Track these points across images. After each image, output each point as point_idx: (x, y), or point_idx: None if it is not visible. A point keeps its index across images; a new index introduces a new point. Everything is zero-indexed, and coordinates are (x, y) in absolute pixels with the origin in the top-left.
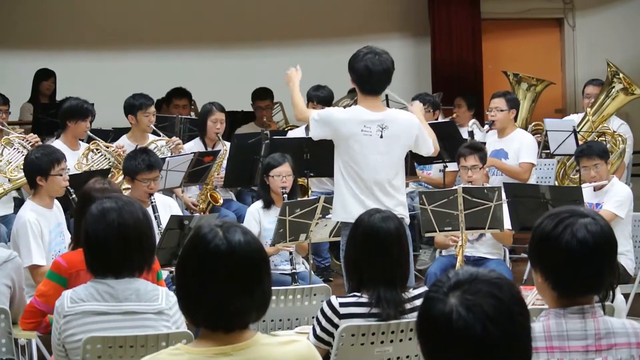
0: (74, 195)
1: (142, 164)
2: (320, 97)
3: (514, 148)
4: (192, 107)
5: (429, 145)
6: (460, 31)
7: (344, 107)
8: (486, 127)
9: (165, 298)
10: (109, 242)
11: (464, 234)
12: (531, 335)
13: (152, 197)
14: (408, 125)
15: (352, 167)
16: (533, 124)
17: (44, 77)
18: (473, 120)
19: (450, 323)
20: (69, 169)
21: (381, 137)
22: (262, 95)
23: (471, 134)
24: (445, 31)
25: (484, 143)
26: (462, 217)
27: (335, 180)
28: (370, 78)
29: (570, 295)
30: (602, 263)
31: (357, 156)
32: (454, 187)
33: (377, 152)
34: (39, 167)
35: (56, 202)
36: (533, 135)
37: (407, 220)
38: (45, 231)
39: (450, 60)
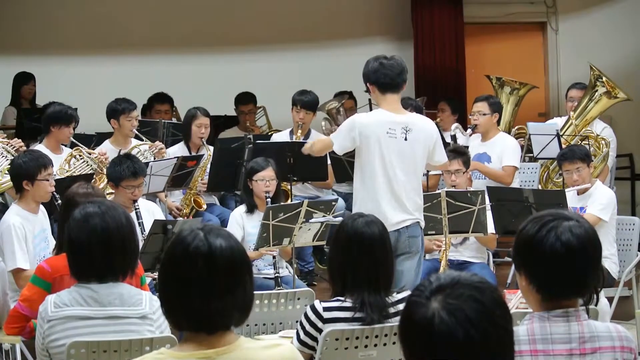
0: (59, 201)
1: (126, 170)
2: (304, 101)
3: (497, 152)
4: (174, 112)
5: (443, 154)
6: (443, 35)
7: (330, 109)
8: (469, 131)
9: (149, 302)
10: (92, 246)
11: (448, 238)
12: (514, 338)
13: (135, 204)
14: (429, 130)
15: (377, 170)
16: (516, 127)
17: (24, 80)
18: (456, 125)
19: (432, 327)
20: (55, 174)
21: (405, 139)
22: (245, 99)
23: (454, 138)
24: (428, 35)
25: (467, 147)
26: (446, 221)
27: (358, 186)
28: (387, 74)
29: (555, 298)
30: (587, 266)
31: (383, 158)
32: (438, 191)
33: (402, 155)
34: (25, 172)
35: (41, 207)
36: (516, 139)
37: (423, 224)
38: (29, 236)
39: (433, 64)
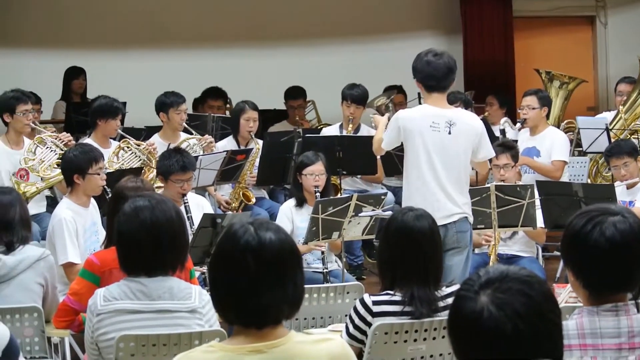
0: (110, 195)
1: (176, 164)
2: (354, 95)
3: (546, 146)
4: (228, 107)
5: (489, 150)
6: (492, 29)
7: (379, 105)
8: (518, 125)
9: (199, 296)
10: (142, 240)
11: (497, 232)
12: (563, 332)
13: (184, 198)
14: (473, 125)
15: (422, 163)
16: (565, 121)
17: (74, 75)
18: (505, 119)
19: (481, 321)
20: (106, 167)
21: (449, 133)
22: (295, 94)
23: (503, 132)
24: (477, 29)
25: (516, 141)
26: (495, 215)
27: (405, 180)
28: (433, 74)
29: (601, 294)
30: (632, 261)
31: (427, 151)
32: (487, 185)
33: (445, 148)
34: (76, 166)
35: (92, 201)
36: (565, 133)
37: (471, 219)
38: (80, 230)
39: (482, 58)
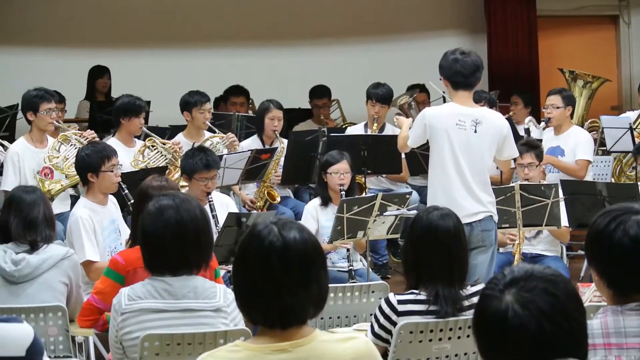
0: (126, 191)
1: (199, 163)
2: (379, 94)
3: (571, 145)
4: (250, 105)
5: (514, 149)
6: (516, 28)
7: (402, 104)
8: (542, 124)
9: (223, 295)
10: (167, 239)
11: (522, 231)
12: (587, 332)
13: (209, 196)
14: (499, 125)
15: (448, 161)
16: (589, 121)
17: (98, 74)
18: (529, 118)
19: (506, 320)
20: (121, 164)
21: (475, 131)
22: (320, 93)
23: (527, 131)
24: (501, 29)
25: (541, 140)
26: (520, 214)
27: (431, 178)
28: (461, 71)
29: (626, 293)
30: None
31: (453, 149)
32: (511, 184)
33: (471, 146)
34: (89, 164)
35: (112, 198)
36: (589, 132)
37: (496, 218)
38: (98, 227)
39: (506, 57)
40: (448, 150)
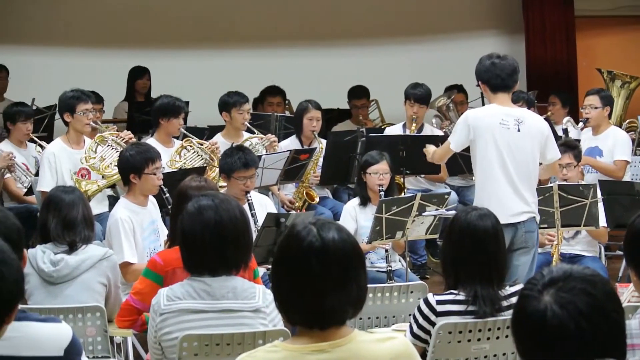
0: (167, 195)
1: (238, 162)
2: (417, 95)
3: (609, 145)
4: (287, 105)
5: (557, 151)
6: (554, 29)
7: (440, 106)
8: (580, 124)
9: (262, 296)
10: (206, 239)
11: (560, 232)
12: (626, 332)
13: (248, 195)
14: (540, 126)
15: (493, 161)
16: (627, 121)
17: (138, 75)
18: (567, 118)
19: (545, 320)
20: (163, 167)
21: (518, 130)
22: (359, 93)
23: (566, 131)
24: (539, 29)
25: (579, 140)
26: (558, 215)
27: (477, 179)
28: (498, 75)
29: None
30: None
31: (498, 149)
32: (550, 185)
33: (515, 145)
34: (132, 165)
35: (152, 199)
36: (627, 132)
37: (538, 218)
38: (137, 229)
39: (544, 58)
40: (493, 150)
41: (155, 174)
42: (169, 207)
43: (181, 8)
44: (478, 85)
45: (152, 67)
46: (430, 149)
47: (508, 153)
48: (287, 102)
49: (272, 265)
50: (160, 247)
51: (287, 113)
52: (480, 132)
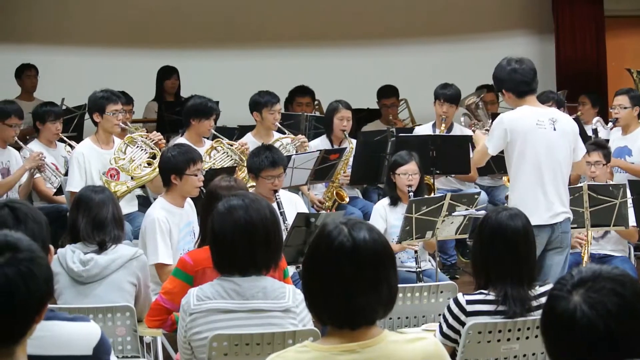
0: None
1: (265, 160)
2: (447, 94)
3: (638, 145)
4: (317, 106)
5: (583, 147)
6: (584, 29)
7: (469, 104)
8: (610, 124)
9: (292, 296)
10: (236, 239)
11: (590, 232)
12: None
13: (277, 194)
14: (571, 126)
15: (531, 161)
16: None
17: (166, 75)
18: (597, 118)
19: (574, 321)
20: (204, 171)
21: (554, 129)
22: (388, 92)
23: (595, 131)
24: (569, 29)
25: (608, 140)
26: (588, 214)
27: (513, 180)
28: (523, 81)
29: None
30: None
31: (535, 149)
32: (579, 185)
33: (551, 145)
34: (174, 166)
35: (189, 200)
36: None
37: (571, 218)
38: (174, 230)
39: (574, 57)
40: (531, 151)
41: (196, 175)
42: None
43: (212, 8)
44: (501, 92)
45: (183, 67)
46: (478, 135)
47: (546, 153)
48: (316, 102)
49: (303, 265)
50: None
51: (317, 113)
52: (517, 134)
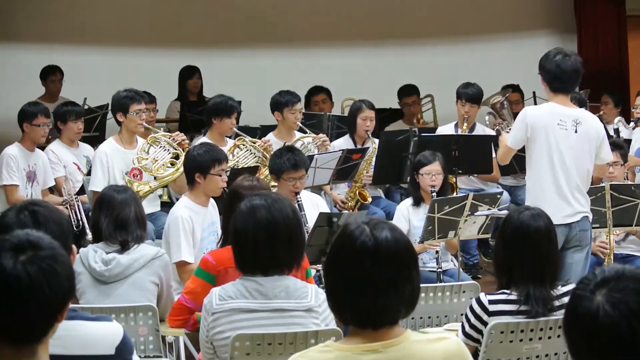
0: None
1: (287, 162)
2: (469, 94)
3: None
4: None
5: (609, 152)
6: (606, 28)
7: (494, 103)
8: (632, 124)
9: (315, 295)
10: (258, 239)
11: (611, 236)
12: None
13: (297, 196)
14: (597, 127)
15: (548, 161)
16: None
17: (188, 75)
18: (619, 118)
19: (597, 320)
20: (228, 171)
21: (576, 132)
22: (409, 91)
23: (617, 131)
24: (592, 29)
25: (630, 140)
26: (610, 214)
27: (530, 179)
28: (560, 77)
29: None
30: None
31: (554, 149)
32: (602, 185)
33: (572, 147)
34: (198, 164)
35: (211, 200)
36: None
37: (591, 217)
38: (197, 228)
39: (596, 57)
40: (549, 151)
41: (220, 176)
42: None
43: (234, 8)
44: (539, 74)
45: (206, 67)
46: (504, 136)
47: (564, 154)
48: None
49: (325, 265)
50: (217, 247)
51: (333, 110)
52: (538, 131)
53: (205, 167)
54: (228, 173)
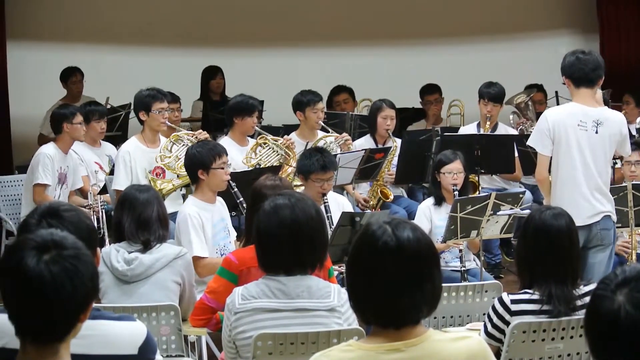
0: (235, 189)
1: (316, 164)
2: (491, 94)
3: None
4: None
5: (628, 149)
6: (628, 28)
7: (519, 103)
8: None
9: (337, 295)
10: (281, 238)
11: (634, 235)
12: None
13: (324, 197)
14: (620, 123)
15: (569, 162)
16: None
17: (211, 74)
18: None
19: (618, 320)
20: (230, 163)
21: (596, 132)
22: (430, 89)
23: (639, 130)
24: (614, 28)
25: None
26: (632, 214)
27: (553, 179)
28: (581, 68)
29: None
30: None
31: (575, 150)
32: (624, 184)
33: (592, 147)
34: (200, 161)
35: (219, 198)
36: None
37: (614, 217)
38: (207, 224)
39: (618, 56)
40: (569, 152)
41: (222, 169)
42: (238, 201)
43: (256, 8)
44: (564, 83)
45: (229, 66)
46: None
47: (585, 155)
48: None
49: (347, 265)
50: (230, 244)
51: (357, 109)
52: (559, 133)
53: (206, 162)
54: (231, 166)
